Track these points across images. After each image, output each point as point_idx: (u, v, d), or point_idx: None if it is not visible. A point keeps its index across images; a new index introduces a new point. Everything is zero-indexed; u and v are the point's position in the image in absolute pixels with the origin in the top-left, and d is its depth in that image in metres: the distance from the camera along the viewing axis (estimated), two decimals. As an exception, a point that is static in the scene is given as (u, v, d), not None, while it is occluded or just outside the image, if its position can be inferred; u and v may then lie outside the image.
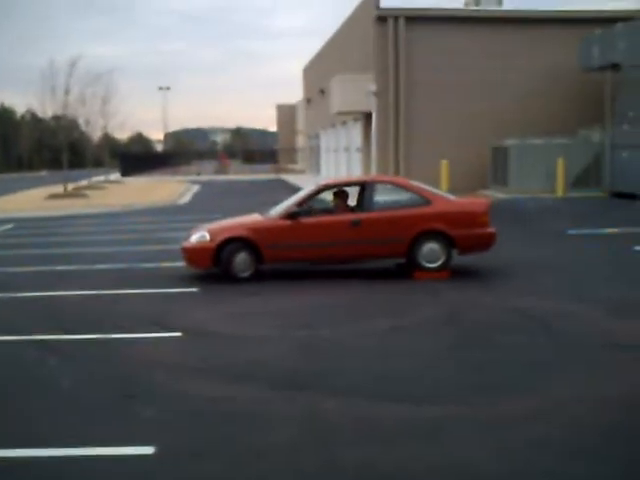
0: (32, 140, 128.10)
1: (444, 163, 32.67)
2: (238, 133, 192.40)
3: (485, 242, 14.62)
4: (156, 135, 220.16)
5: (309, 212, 14.90)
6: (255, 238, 14.32)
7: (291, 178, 59.13)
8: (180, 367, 8.77)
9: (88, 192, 46.19)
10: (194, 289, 13.53)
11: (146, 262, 16.81)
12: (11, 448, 6.35)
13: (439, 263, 14.20)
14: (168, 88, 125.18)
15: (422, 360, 8.85)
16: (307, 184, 48.35)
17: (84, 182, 55.89)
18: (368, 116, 37.61)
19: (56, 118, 53.61)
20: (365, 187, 15.06)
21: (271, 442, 6.35)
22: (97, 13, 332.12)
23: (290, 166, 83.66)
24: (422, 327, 10.43)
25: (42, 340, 10.15)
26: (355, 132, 42.49)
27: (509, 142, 32.93)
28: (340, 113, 40.47)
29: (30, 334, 10.45)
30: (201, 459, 6.05)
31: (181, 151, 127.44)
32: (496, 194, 32.72)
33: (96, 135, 63.68)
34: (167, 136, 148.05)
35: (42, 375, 8.64)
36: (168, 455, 6.11)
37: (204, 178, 65.21)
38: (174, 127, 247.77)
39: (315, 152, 62.60)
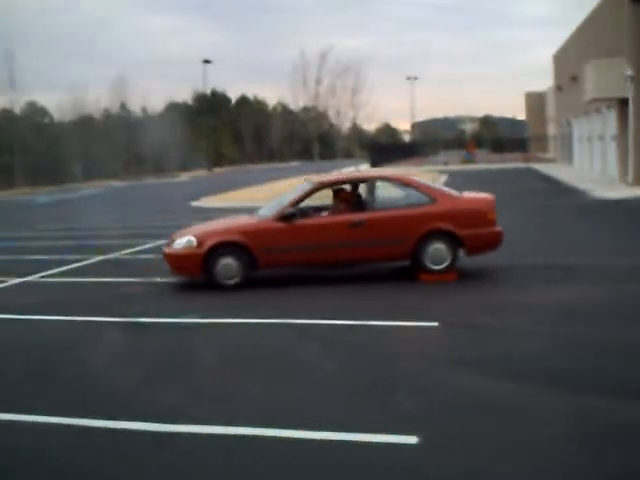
0: (283, 131, 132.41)
1: None
2: (486, 122, 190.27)
3: (492, 242, 13.90)
4: (403, 125, 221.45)
5: (305, 213, 14.14)
6: (249, 242, 13.43)
7: (542, 167, 57.89)
8: (439, 357, 8.74)
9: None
10: (449, 279, 13.44)
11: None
12: (271, 428, 6.55)
13: (445, 264, 13.52)
14: (416, 78, 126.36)
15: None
16: (560, 173, 47.38)
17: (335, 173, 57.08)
18: (624, 102, 36.11)
19: (306, 110, 55.03)
20: (365, 185, 14.22)
21: (532, 439, 6.19)
22: (344, 6, 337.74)
23: (540, 155, 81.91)
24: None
25: (298, 324, 10.46)
26: (610, 120, 40.90)
27: None
28: (594, 100, 39.10)
29: (286, 317, 10.80)
30: (463, 451, 5.99)
31: (428, 141, 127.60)
32: None
33: (345, 126, 64.92)
34: (414, 126, 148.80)
35: (299, 358, 8.88)
36: (432, 446, 6.09)
37: (452, 168, 64.97)
38: (421, 117, 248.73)
39: (567, 140, 60.92)
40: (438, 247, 13.47)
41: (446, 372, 8.11)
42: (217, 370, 8.67)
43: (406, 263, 14.07)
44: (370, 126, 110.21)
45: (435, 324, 10.15)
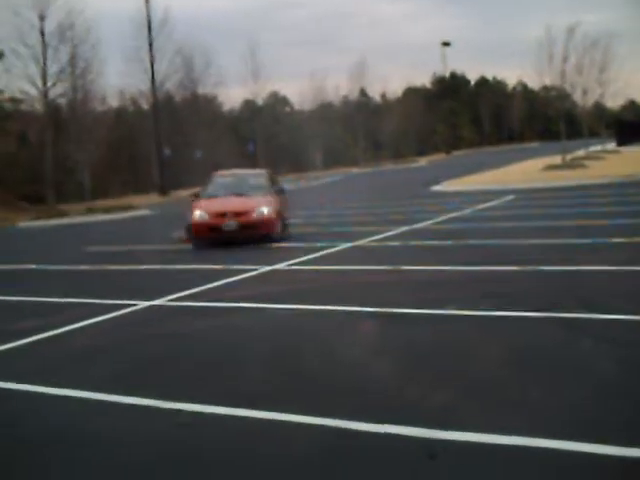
0: (522, 111, 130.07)
1: None
2: None
3: None
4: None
5: None
6: None
7: None
8: None
9: (585, 162, 45.41)
10: None
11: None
12: (552, 439, 5.85)
13: None
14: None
15: None
16: None
17: (580, 152, 55.12)
18: None
19: (546, 89, 53.60)
20: None
21: None
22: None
23: None
24: None
25: (566, 318, 9.58)
26: None
27: None
28: None
29: (551, 311, 9.93)
30: None
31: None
32: None
33: (588, 104, 62.16)
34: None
35: (573, 356, 8.05)
36: None
37: None
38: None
39: None
40: None
41: None
42: (490, 368, 7.97)
43: None
44: (613, 103, 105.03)
45: None
